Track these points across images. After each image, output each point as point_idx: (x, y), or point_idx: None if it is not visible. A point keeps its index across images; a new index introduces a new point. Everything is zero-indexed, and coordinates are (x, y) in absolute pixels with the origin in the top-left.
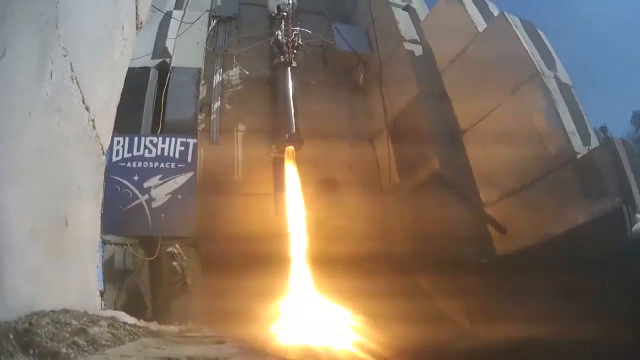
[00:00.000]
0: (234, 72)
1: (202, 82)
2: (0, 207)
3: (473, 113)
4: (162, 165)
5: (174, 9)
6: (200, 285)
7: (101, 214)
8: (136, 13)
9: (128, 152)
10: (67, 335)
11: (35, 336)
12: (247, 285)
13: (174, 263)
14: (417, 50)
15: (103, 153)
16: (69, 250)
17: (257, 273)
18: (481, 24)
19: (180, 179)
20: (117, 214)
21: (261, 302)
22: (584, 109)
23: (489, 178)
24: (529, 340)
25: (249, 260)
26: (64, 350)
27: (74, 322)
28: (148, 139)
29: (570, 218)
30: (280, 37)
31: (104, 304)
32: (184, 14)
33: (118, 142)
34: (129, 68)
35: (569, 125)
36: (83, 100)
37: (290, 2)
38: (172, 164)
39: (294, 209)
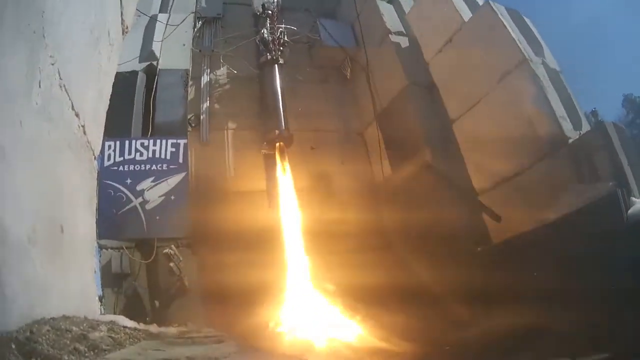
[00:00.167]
0: (222, 71)
1: (190, 83)
2: None
3: (462, 102)
4: (154, 167)
5: (159, 12)
6: (197, 285)
7: (96, 219)
8: (122, 18)
9: (119, 156)
10: (68, 342)
11: (36, 344)
12: (244, 282)
13: (171, 264)
14: (404, 42)
15: (95, 158)
16: (66, 257)
17: (254, 269)
18: (467, 14)
19: (173, 180)
20: (112, 218)
21: (259, 298)
22: (574, 94)
23: (481, 166)
24: (529, 327)
25: (244, 257)
26: (65, 357)
27: (74, 328)
28: (139, 141)
29: (565, 203)
30: (266, 35)
31: (104, 309)
32: (169, 16)
33: (109, 146)
34: (117, 73)
35: (559, 110)
36: (72, 107)
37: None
38: (164, 166)
39: (286, 204)
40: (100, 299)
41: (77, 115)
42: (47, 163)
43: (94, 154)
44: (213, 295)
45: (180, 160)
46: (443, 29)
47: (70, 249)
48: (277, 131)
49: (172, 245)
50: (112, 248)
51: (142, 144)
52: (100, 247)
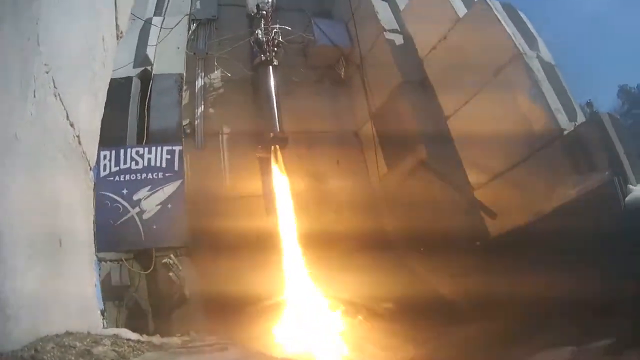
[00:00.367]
0: (216, 74)
1: (185, 87)
2: None
3: (457, 98)
4: (149, 175)
5: (154, 15)
6: (198, 294)
7: (94, 231)
8: (116, 23)
9: (115, 166)
10: (73, 357)
11: None
12: (244, 288)
13: (170, 274)
14: (398, 39)
15: (90, 169)
16: (66, 272)
17: (254, 275)
18: (461, 10)
19: (169, 189)
20: (110, 229)
21: (260, 304)
22: (569, 86)
23: (477, 161)
24: (529, 319)
25: (244, 263)
26: None
27: (77, 344)
28: (134, 150)
29: (562, 194)
30: (260, 36)
31: (106, 323)
32: (164, 19)
33: (104, 156)
34: (111, 79)
35: (554, 102)
36: (67, 116)
37: (269, 0)
38: (160, 174)
39: (283, 207)
40: (102, 312)
41: (72, 125)
42: (44, 176)
43: (89, 165)
44: (214, 303)
45: (176, 168)
46: (438, 26)
47: (70, 263)
48: (271, 133)
49: (171, 255)
50: (110, 260)
51: (137, 152)
52: (99, 259)
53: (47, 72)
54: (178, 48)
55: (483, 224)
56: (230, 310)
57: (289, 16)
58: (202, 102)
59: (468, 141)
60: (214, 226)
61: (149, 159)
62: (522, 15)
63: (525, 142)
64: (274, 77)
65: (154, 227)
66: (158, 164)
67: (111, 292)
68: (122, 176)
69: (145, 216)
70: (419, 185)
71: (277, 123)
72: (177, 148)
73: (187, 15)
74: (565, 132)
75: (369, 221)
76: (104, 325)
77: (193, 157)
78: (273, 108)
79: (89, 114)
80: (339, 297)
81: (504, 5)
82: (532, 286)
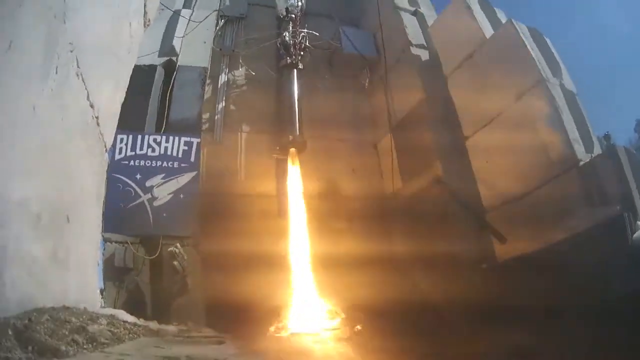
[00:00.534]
0: (240, 72)
1: (208, 81)
2: (4, 203)
3: (477, 119)
4: (165, 164)
5: (183, 7)
6: (200, 285)
7: (103, 211)
8: (144, 11)
9: (131, 151)
10: (67, 332)
11: (34, 333)
12: (247, 286)
13: (175, 262)
14: (424, 55)
15: (106, 150)
16: (70, 248)
17: (258, 274)
18: (488, 31)
19: (183, 179)
20: (119, 212)
21: (261, 303)
22: (588, 116)
23: (491, 184)
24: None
25: (250, 261)
26: (63, 348)
27: (73, 319)
28: (152, 137)
29: (572, 225)
30: (287, 39)
31: (104, 302)
32: (192, 12)
33: (121, 139)
34: (135, 65)
35: (573, 132)
36: (88, 96)
37: (299, 4)
38: (175, 163)
39: (296, 211)
40: (102, 291)
41: (91, 105)
42: (58, 151)
43: (105, 146)
44: (215, 296)
45: (192, 159)
46: (464, 44)
47: (75, 239)
48: (291, 136)
49: (178, 244)
50: (116, 242)
51: (154, 140)
52: (105, 239)
53: (71, 51)
54: (204, 42)
55: (491, 247)
56: (230, 307)
57: (317, 22)
58: (224, 98)
59: (484, 163)
60: (224, 221)
61: (166, 148)
62: (547, 40)
63: (540, 169)
64: (297, 80)
65: (164, 214)
66: (174, 154)
67: (113, 273)
68: (137, 161)
69: (156, 203)
70: (431, 202)
71: (297, 126)
72: (195, 140)
73: (216, 10)
74: (581, 163)
75: (379, 233)
76: (102, 305)
77: (210, 151)
78: (294, 111)
79: (110, 97)
80: (341, 304)
81: (530, 30)
82: (534, 312)
